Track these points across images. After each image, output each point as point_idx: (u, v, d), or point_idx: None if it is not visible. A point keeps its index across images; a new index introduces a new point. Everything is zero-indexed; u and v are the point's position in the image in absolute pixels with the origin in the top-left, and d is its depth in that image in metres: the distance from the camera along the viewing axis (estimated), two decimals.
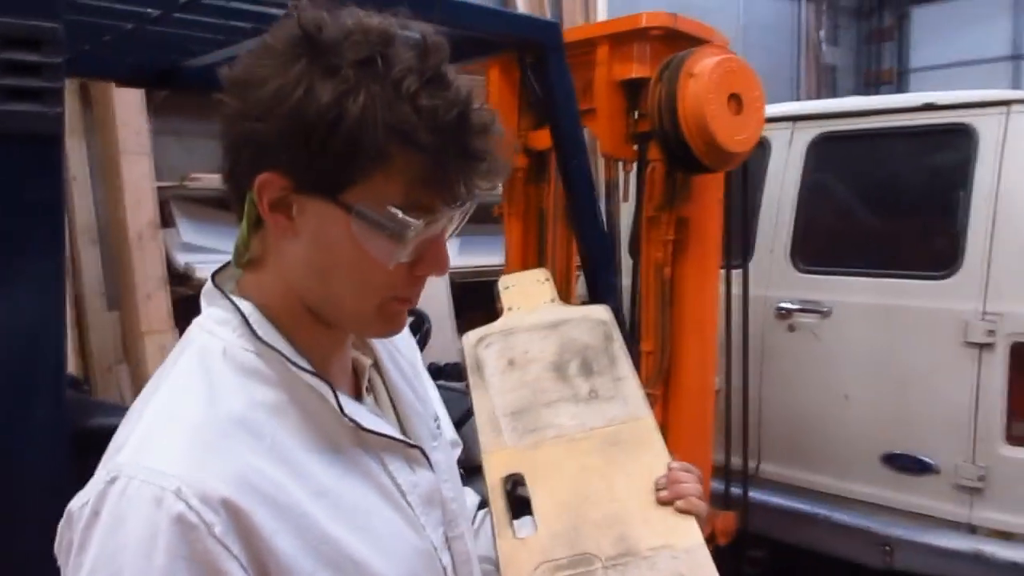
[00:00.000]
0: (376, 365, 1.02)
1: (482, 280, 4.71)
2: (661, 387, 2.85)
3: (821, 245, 3.56)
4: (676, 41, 2.70)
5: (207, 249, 4.48)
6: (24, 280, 1.20)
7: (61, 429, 1.24)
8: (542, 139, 2.90)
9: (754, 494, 3.34)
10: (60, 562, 0.80)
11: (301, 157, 0.80)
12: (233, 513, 0.76)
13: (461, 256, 4.92)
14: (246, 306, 0.88)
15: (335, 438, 0.88)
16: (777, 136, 3.54)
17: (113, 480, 0.76)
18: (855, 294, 3.32)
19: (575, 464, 1.12)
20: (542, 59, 2.16)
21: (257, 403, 0.84)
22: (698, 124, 2.50)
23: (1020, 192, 2.97)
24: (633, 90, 2.73)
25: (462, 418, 1.33)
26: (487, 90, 3.01)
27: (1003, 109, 3.04)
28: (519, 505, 1.09)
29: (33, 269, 1.22)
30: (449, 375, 3.07)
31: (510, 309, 1.35)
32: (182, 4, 1.75)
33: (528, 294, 1.38)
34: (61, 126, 1.24)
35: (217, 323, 0.88)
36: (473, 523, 1.15)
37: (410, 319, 0.98)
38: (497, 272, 1.87)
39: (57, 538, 0.80)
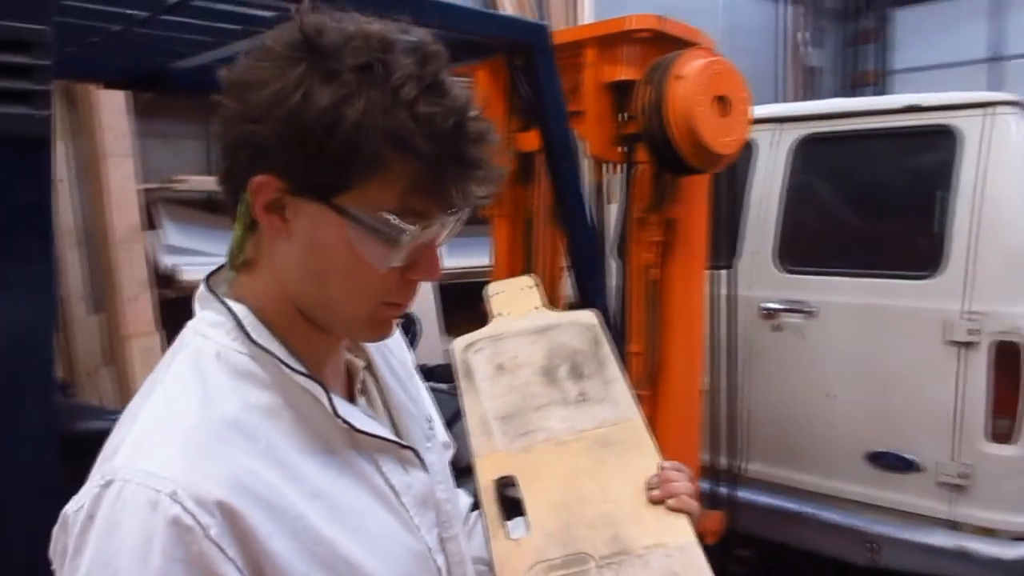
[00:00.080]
0: (369, 367, 1.03)
1: (469, 282, 4.70)
2: (649, 388, 2.86)
3: (806, 246, 3.59)
4: (663, 43, 2.71)
5: (192, 251, 4.45)
6: (14, 284, 1.20)
7: (50, 433, 1.23)
8: (529, 141, 2.90)
9: (740, 493, 3.36)
10: (55, 566, 0.80)
11: (298, 160, 0.81)
12: (229, 515, 0.76)
13: (448, 258, 4.85)
14: (240, 309, 0.88)
15: (329, 440, 0.88)
16: (762, 138, 3.56)
17: (108, 484, 0.76)
18: (840, 294, 3.34)
19: (567, 466, 1.12)
20: (531, 61, 2.17)
21: (251, 405, 0.84)
22: (686, 126, 2.52)
23: (1002, 192, 3.01)
24: (621, 92, 2.74)
25: (450, 420, 1.33)
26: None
27: (985, 111, 3.08)
28: (510, 507, 1.10)
29: (23, 273, 1.21)
30: (439, 377, 3.07)
31: (498, 315, 1.35)
32: (170, 6, 1.74)
33: (516, 300, 1.38)
34: (50, 129, 1.24)
35: (211, 326, 0.88)
36: (465, 525, 1.15)
37: (399, 320, 0.98)
38: (484, 274, 1.88)
39: (52, 542, 0.80)
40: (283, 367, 0.86)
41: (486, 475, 1.12)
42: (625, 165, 2.84)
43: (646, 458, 1.12)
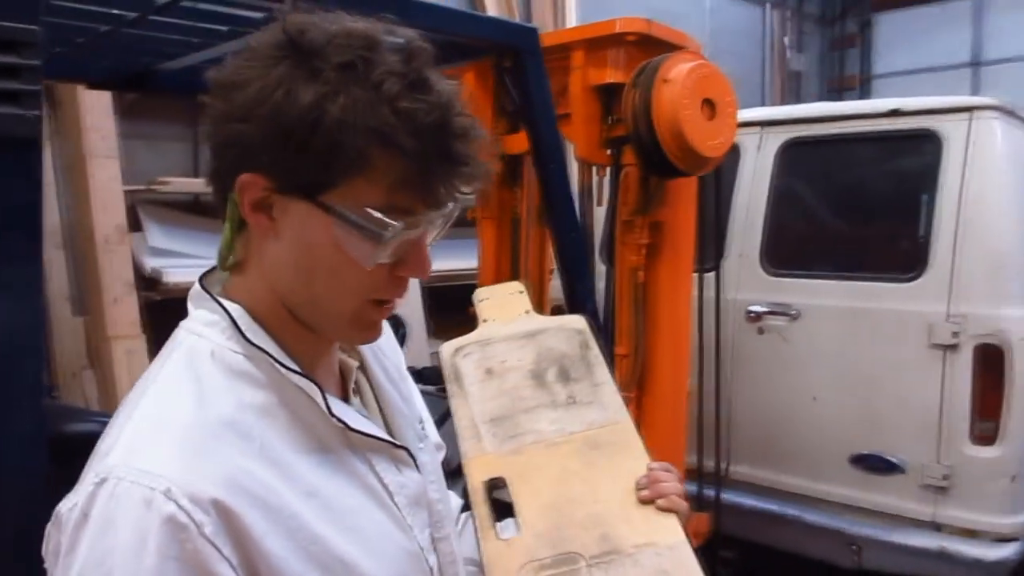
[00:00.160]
0: (362, 367, 1.03)
1: (455, 284, 4.70)
2: (636, 390, 2.87)
3: (790, 249, 3.61)
4: (650, 47, 2.72)
5: (176, 253, 4.43)
6: (3, 284, 1.19)
7: (40, 435, 1.23)
8: (516, 143, 2.91)
9: (725, 495, 3.37)
10: (48, 565, 0.79)
11: (282, 158, 0.81)
12: (224, 514, 0.76)
13: (434, 260, 4.90)
14: (234, 308, 0.88)
15: (323, 439, 0.88)
16: (748, 141, 3.58)
17: (102, 482, 0.76)
18: (824, 297, 3.37)
19: (556, 467, 1.13)
20: (520, 64, 2.17)
21: (246, 405, 0.84)
22: (673, 129, 2.53)
23: (985, 196, 3.04)
24: (608, 95, 2.75)
25: (439, 422, 1.34)
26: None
27: (968, 115, 3.11)
28: (500, 510, 1.10)
29: (11, 274, 1.21)
30: (426, 379, 3.07)
31: (486, 321, 1.35)
32: (159, 6, 1.74)
33: (504, 305, 1.38)
34: (40, 129, 1.23)
35: (205, 325, 0.88)
36: (456, 526, 1.15)
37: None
38: (471, 276, 1.88)
39: (44, 541, 0.80)
40: (278, 366, 0.87)
41: (476, 477, 1.12)
42: (612, 168, 2.85)
43: (635, 459, 1.13)
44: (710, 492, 3.30)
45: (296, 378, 0.87)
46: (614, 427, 1.17)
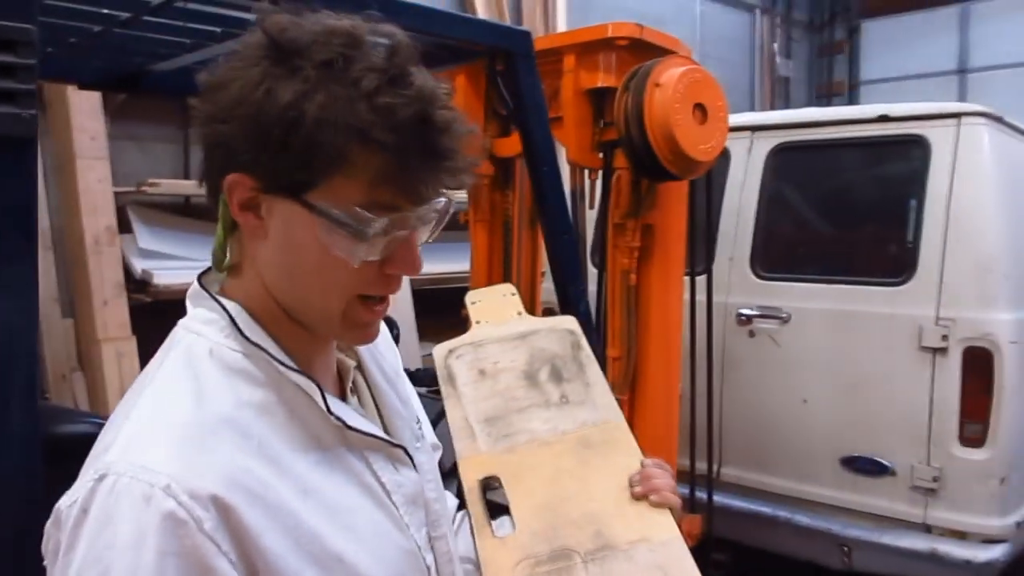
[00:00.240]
0: (360, 367, 1.03)
1: (446, 287, 4.71)
2: (627, 392, 2.88)
3: (780, 252, 3.63)
4: (642, 51, 2.74)
5: (166, 255, 4.42)
6: None
7: (35, 436, 1.22)
8: (508, 146, 2.92)
9: (716, 498, 3.39)
10: (47, 562, 0.79)
11: (264, 158, 0.81)
12: (223, 510, 0.76)
13: (425, 263, 4.91)
14: (233, 306, 0.88)
15: (321, 437, 0.89)
16: (737, 146, 3.60)
17: (102, 478, 0.76)
18: (813, 300, 3.38)
19: (550, 466, 1.14)
20: (513, 66, 2.17)
21: (244, 403, 0.84)
22: (664, 133, 2.54)
23: (972, 201, 3.07)
24: (599, 99, 2.77)
25: (433, 422, 1.35)
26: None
27: (956, 121, 3.14)
28: (494, 509, 1.11)
29: (6, 274, 1.20)
30: (417, 381, 3.06)
31: (478, 322, 1.36)
32: (153, 7, 1.74)
33: (496, 308, 1.39)
34: (36, 128, 1.23)
35: (203, 323, 0.88)
36: (451, 525, 1.16)
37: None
38: (462, 279, 1.89)
39: (44, 539, 0.80)
40: (276, 364, 0.87)
41: (470, 476, 1.13)
42: (604, 171, 2.86)
43: (628, 456, 1.14)
44: (702, 494, 3.31)
45: (295, 376, 0.87)
46: (607, 426, 1.19)
